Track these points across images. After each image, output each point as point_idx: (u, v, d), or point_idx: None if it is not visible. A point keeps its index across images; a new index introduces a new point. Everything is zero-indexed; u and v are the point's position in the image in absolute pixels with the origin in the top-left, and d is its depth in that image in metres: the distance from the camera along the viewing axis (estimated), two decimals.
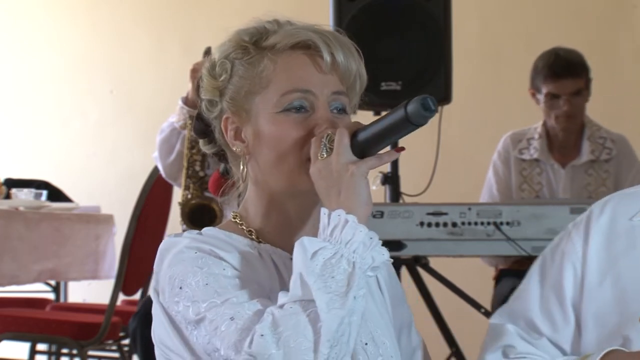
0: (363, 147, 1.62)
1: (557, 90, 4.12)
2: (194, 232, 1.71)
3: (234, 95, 1.72)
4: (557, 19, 5.76)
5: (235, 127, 1.73)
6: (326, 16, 3.85)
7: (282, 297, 1.57)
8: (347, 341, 1.54)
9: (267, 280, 1.67)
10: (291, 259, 1.68)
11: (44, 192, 4.84)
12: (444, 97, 3.85)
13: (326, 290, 1.53)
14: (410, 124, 1.58)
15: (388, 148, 1.67)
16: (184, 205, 3.92)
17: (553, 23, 5.75)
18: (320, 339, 1.51)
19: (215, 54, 1.75)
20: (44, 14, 6.80)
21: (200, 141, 1.83)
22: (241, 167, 1.75)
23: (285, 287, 1.66)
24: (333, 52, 1.69)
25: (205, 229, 1.72)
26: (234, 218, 1.77)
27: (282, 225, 1.73)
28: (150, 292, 1.71)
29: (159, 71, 6.52)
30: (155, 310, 1.68)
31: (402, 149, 1.66)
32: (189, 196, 3.93)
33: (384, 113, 4.08)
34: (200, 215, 3.83)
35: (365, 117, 4.16)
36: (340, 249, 1.56)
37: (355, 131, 1.63)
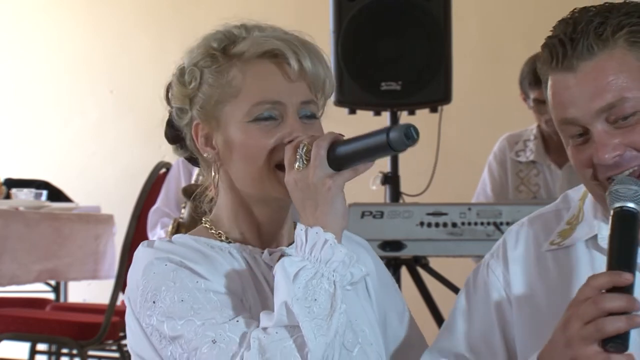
0: (339, 161, 1.64)
1: (542, 96, 4.11)
2: (164, 240, 1.72)
3: (203, 104, 1.74)
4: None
5: (206, 133, 1.75)
6: (326, 16, 3.85)
7: (265, 319, 1.59)
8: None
9: (238, 279, 1.69)
10: (262, 253, 1.72)
11: (44, 192, 4.84)
12: (444, 97, 3.85)
13: (311, 316, 1.55)
14: (390, 149, 1.61)
15: None
16: (189, 186, 3.91)
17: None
18: None
19: (185, 61, 1.78)
20: (44, 14, 6.80)
21: (172, 147, 1.84)
22: (213, 173, 1.77)
23: (257, 282, 1.70)
24: (300, 60, 1.71)
25: (175, 237, 1.74)
26: (205, 223, 1.79)
27: (253, 229, 1.75)
28: (124, 299, 1.72)
29: (159, 71, 6.46)
30: (129, 318, 1.70)
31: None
32: (201, 179, 3.95)
33: (384, 113, 4.09)
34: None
35: (366, 117, 4.17)
36: (321, 268, 1.59)
37: (332, 144, 1.65)
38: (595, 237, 1.72)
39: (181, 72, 1.77)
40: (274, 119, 1.70)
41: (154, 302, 1.63)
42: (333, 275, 1.58)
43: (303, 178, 1.63)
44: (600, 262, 1.66)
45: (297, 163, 1.65)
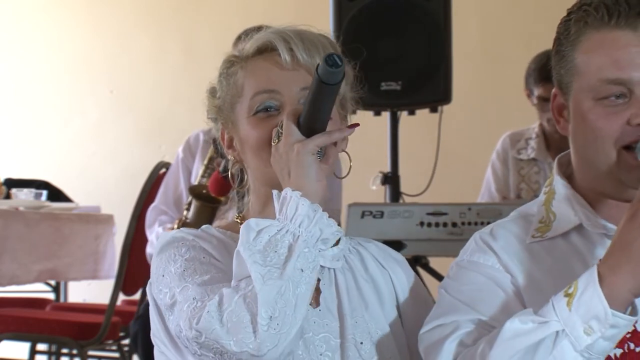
0: (308, 126, 1.64)
1: (547, 94, 4.11)
2: (190, 229, 1.76)
3: (222, 108, 1.79)
4: (557, 19, 5.75)
5: (229, 137, 1.80)
6: (326, 16, 3.85)
7: (234, 279, 1.61)
8: (293, 313, 1.55)
9: None
10: None
11: (44, 192, 4.84)
12: (444, 97, 3.85)
13: (264, 264, 1.55)
14: (325, 85, 1.59)
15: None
16: (196, 186, 3.90)
17: (553, 23, 5.73)
18: (257, 310, 1.53)
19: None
20: (44, 14, 6.80)
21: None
22: (245, 175, 1.80)
23: None
24: (292, 48, 1.72)
25: (203, 227, 1.77)
26: (236, 218, 1.82)
27: None
28: (147, 288, 1.75)
29: (159, 71, 6.52)
30: (151, 307, 1.72)
31: (357, 124, 1.69)
32: (204, 181, 3.95)
33: (384, 113, 4.08)
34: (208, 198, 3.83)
35: (366, 117, 4.16)
36: (286, 224, 1.59)
37: (300, 113, 1.66)
38: (580, 226, 1.74)
39: (213, 86, 1.82)
40: (275, 109, 1.72)
41: (163, 276, 1.68)
42: (298, 231, 1.59)
43: (277, 149, 1.66)
44: (598, 244, 1.71)
45: (274, 139, 1.67)
